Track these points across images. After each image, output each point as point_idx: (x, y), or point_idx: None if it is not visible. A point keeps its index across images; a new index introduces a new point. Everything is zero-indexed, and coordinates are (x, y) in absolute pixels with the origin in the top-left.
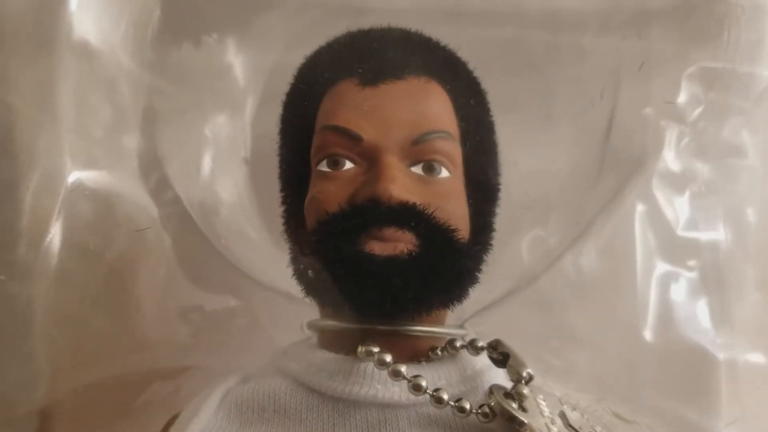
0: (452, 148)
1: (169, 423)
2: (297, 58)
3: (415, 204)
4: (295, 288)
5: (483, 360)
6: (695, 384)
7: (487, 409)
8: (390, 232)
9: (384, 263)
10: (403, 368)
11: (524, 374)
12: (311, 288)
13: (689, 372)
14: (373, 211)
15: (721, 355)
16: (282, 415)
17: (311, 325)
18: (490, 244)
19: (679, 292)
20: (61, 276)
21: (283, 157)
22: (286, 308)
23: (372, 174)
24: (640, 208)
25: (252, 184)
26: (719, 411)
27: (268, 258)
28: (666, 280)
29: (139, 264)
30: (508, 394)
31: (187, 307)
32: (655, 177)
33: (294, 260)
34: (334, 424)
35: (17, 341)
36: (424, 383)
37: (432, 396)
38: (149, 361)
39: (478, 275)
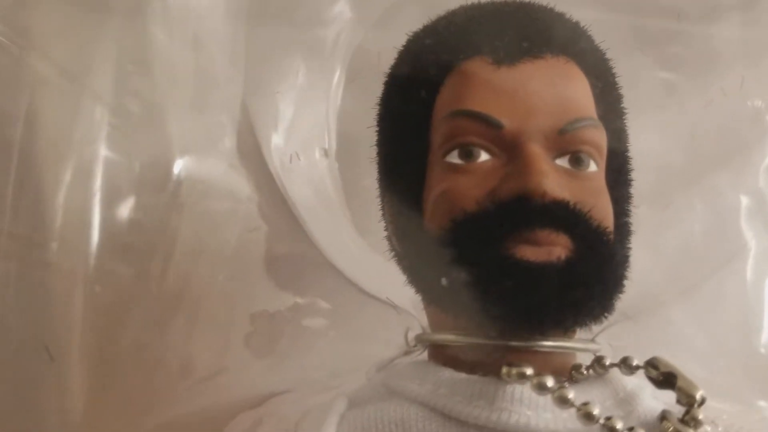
0: (601, 139)
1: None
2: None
3: (569, 202)
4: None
5: (633, 380)
6: None
7: None
8: (544, 234)
9: (539, 270)
10: (570, 394)
11: (698, 396)
12: (437, 297)
13: None
14: (525, 210)
15: None
16: None
17: (422, 339)
18: (630, 248)
19: None
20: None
21: (388, 148)
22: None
23: (516, 167)
24: (746, 203)
25: (332, 179)
26: None
27: (362, 262)
28: None
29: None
30: (682, 420)
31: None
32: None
33: (411, 265)
34: None
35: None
36: (596, 411)
37: (605, 425)
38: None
39: (625, 284)
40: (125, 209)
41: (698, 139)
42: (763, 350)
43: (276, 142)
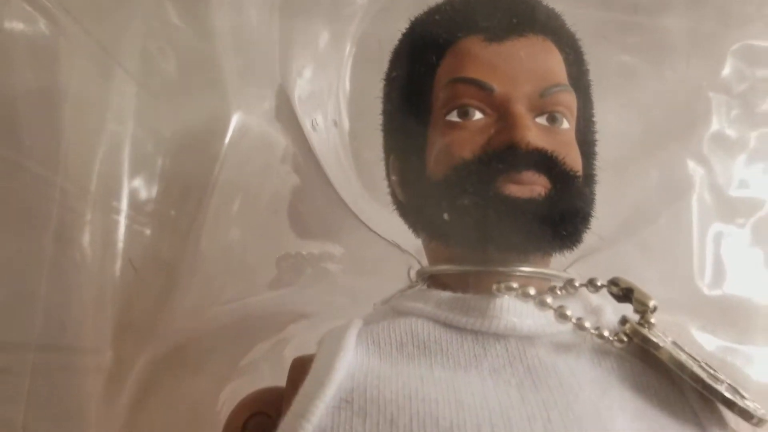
0: (572, 102)
1: (296, 367)
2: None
3: (547, 150)
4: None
5: (597, 298)
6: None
7: (623, 336)
8: (528, 175)
9: (524, 204)
10: (549, 299)
11: (651, 305)
12: (441, 232)
13: (739, 317)
14: (512, 156)
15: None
16: (423, 350)
17: (423, 273)
18: (595, 194)
19: (731, 245)
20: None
21: (396, 111)
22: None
23: (505, 123)
24: (696, 170)
25: (342, 145)
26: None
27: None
28: (719, 237)
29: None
30: (639, 323)
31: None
32: (709, 143)
33: (416, 208)
34: (475, 355)
35: None
36: (569, 312)
37: (575, 324)
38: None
39: (590, 221)
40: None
41: (653, 113)
42: (705, 290)
43: (302, 107)
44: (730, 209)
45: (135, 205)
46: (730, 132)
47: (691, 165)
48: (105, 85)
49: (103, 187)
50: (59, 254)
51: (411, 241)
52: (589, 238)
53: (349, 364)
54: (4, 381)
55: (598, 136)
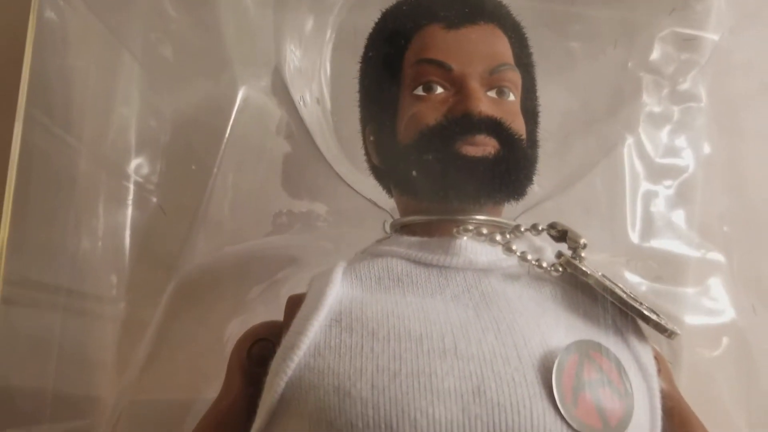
0: (517, 78)
1: (291, 302)
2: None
3: (497, 118)
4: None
5: (539, 241)
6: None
7: (559, 267)
8: (480, 138)
9: (478, 161)
10: (498, 237)
11: (581, 242)
12: (410, 187)
13: (667, 265)
14: (468, 123)
15: (690, 253)
16: (397, 282)
17: (395, 224)
18: (537, 156)
19: (658, 204)
20: None
21: (371, 86)
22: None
23: (461, 96)
24: (628, 139)
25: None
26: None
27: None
28: (648, 196)
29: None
30: (572, 257)
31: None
32: (639, 117)
33: (389, 168)
34: (440, 285)
35: None
36: (514, 247)
37: (519, 256)
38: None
39: (533, 179)
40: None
41: (591, 91)
42: (637, 241)
43: (293, 84)
44: (658, 173)
45: (143, 174)
46: (658, 107)
47: (624, 135)
48: (114, 67)
49: (115, 155)
50: (81, 210)
51: (385, 202)
52: (534, 193)
53: (337, 293)
54: (41, 316)
55: (543, 111)
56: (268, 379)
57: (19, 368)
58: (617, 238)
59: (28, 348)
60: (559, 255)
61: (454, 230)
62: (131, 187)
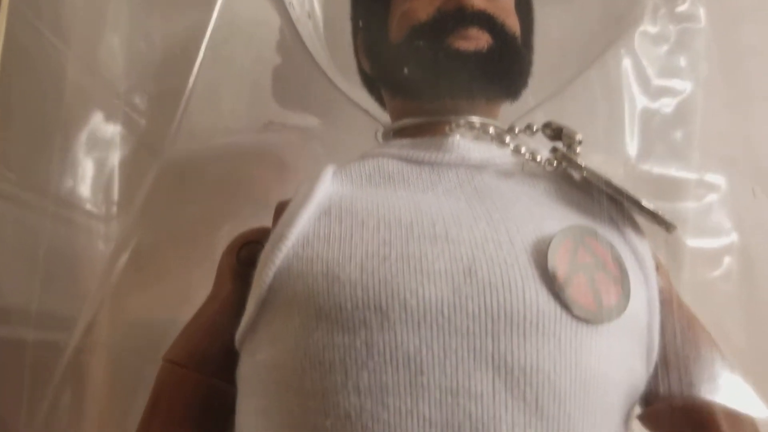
0: None
1: (280, 207)
2: None
3: (490, 12)
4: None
5: (534, 143)
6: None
7: (553, 161)
8: (473, 31)
9: (471, 55)
10: (491, 128)
11: (577, 138)
12: (402, 86)
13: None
14: (461, 16)
15: (690, 175)
16: (388, 179)
17: (387, 131)
18: (532, 61)
19: (657, 123)
20: None
21: None
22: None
23: None
24: (627, 61)
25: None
26: None
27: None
28: (647, 115)
29: None
30: (568, 152)
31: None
32: (638, 38)
33: (380, 70)
34: (432, 182)
35: None
36: (507, 139)
37: (513, 149)
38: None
39: (528, 80)
40: None
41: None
42: (634, 159)
43: None
44: (656, 93)
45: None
46: (656, 29)
47: (623, 55)
48: None
49: (106, 71)
50: (70, 121)
51: (380, 116)
52: (527, 103)
53: (326, 190)
54: (30, 217)
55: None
56: (257, 270)
57: (6, 265)
58: (614, 152)
59: (15, 246)
60: (554, 149)
61: (447, 128)
62: (122, 107)
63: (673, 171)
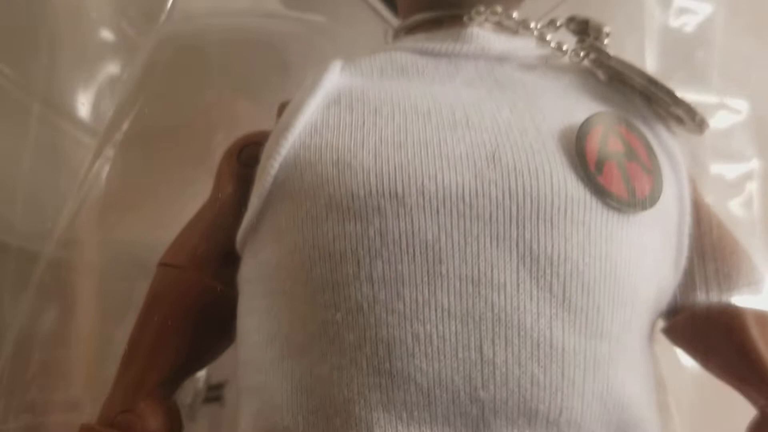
0: None
1: (282, 108)
2: None
3: None
4: None
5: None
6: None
7: (580, 51)
8: None
9: None
10: (514, 14)
11: (605, 30)
12: None
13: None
14: None
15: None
16: (402, 72)
17: (398, 29)
18: None
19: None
20: None
21: None
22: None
23: None
24: None
25: None
26: None
27: None
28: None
29: None
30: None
31: None
32: None
33: None
34: (449, 74)
35: None
36: (532, 24)
37: (537, 35)
38: None
39: None
40: None
41: None
42: None
43: None
44: (678, 12)
45: None
46: None
47: None
48: None
49: None
50: (59, 23)
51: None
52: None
53: (335, 80)
54: (15, 120)
55: None
56: (261, 164)
57: None
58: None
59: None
60: (582, 40)
61: (465, 17)
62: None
63: (693, 94)
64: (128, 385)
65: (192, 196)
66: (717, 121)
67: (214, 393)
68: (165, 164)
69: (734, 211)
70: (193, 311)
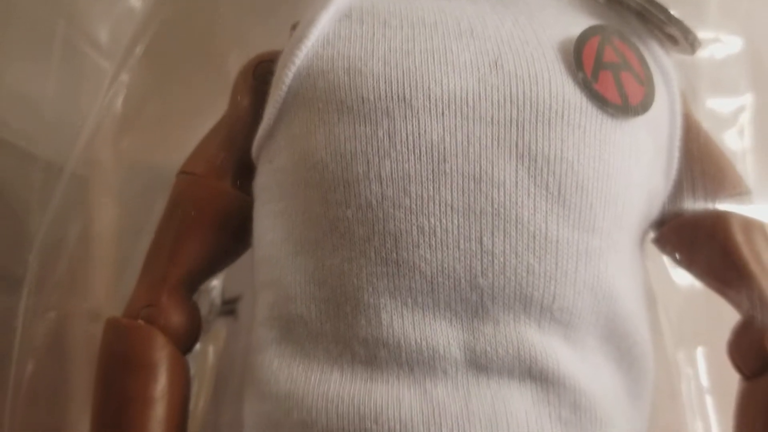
0: None
1: (295, 26)
2: None
3: None
4: None
5: None
6: None
7: None
8: None
9: None
10: None
11: None
12: None
13: None
14: None
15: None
16: None
17: None
18: None
19: None
20: None
21: None
22: None
23: None
24: None
25: None
26: None
27: None
28: None
29: None
30: None
31: None
32: None
33: None
34: None
35: None
36: None
37: None
38: None
39: None
40: None
41: None
42: None
43: None
44: None
45: None
46: None
47: None
48: None
49: None
50: None
51: None
52: None
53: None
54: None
55: None
56: (276, 74)
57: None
58: None
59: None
60: None
61: None
62: None
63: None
64: (151, 281)
65: (206, 118)
66: (712, 53)
67: (229, 307)
68: (179, 88)
69: (728, 143)
70: (211, 214)
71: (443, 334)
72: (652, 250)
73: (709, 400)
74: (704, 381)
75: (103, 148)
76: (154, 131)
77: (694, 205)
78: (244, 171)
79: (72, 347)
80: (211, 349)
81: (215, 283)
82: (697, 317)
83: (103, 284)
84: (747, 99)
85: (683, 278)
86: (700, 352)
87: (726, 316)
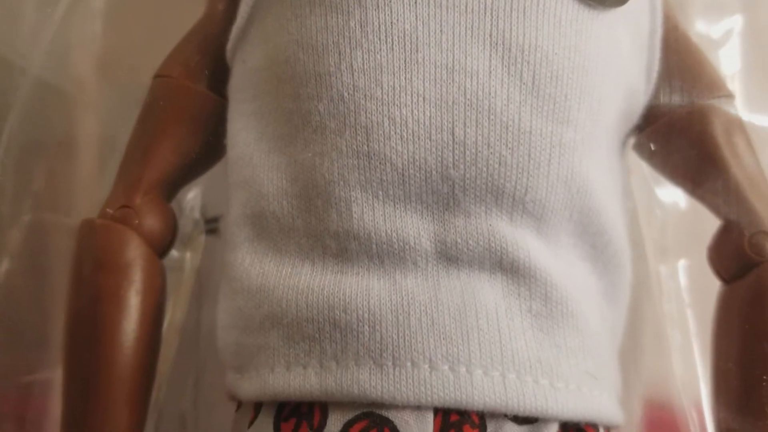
0: None
1: None
2: None
3: None
4: None
5: None
6: None
7: None
8: None
9: None
10: None
11: None
12: None
13: None
14: None
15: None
16: None
17: None
18: None
19: None
20: None
21: None
22: None
23: None
24: None
25: None
26: None
27: None
28: None
29: None
30: None
31: None
32: None
33: None
34: None
35: None
36: None
37: None
38: None
39: None
40: None
41: None
42: None
43: None
44: None
45: None
46: None
47: None
48: None
49: None
50: None
51: None
52: None
53: None
54: None
55: None
56: None
57: None
58: None
59: None
60: None
61: None
62: None
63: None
64: (126, 183)
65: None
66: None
67: (211, 225)
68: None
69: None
70: (186, 116)
71: (414, 226)
72: (636, 164)
73: (689, 313)
74: (685, 295)
75: (83, 66)
76: (134, 50)
77: (670, 102)
78: (220, 74)
79: (48, 250)
80: (188, 256)
81: (192, 195)
82: (680, 233)
83: (86, 203)
84: (737, 20)
85: (667, 195)
86: (681, 266)
87: (708, 233)
